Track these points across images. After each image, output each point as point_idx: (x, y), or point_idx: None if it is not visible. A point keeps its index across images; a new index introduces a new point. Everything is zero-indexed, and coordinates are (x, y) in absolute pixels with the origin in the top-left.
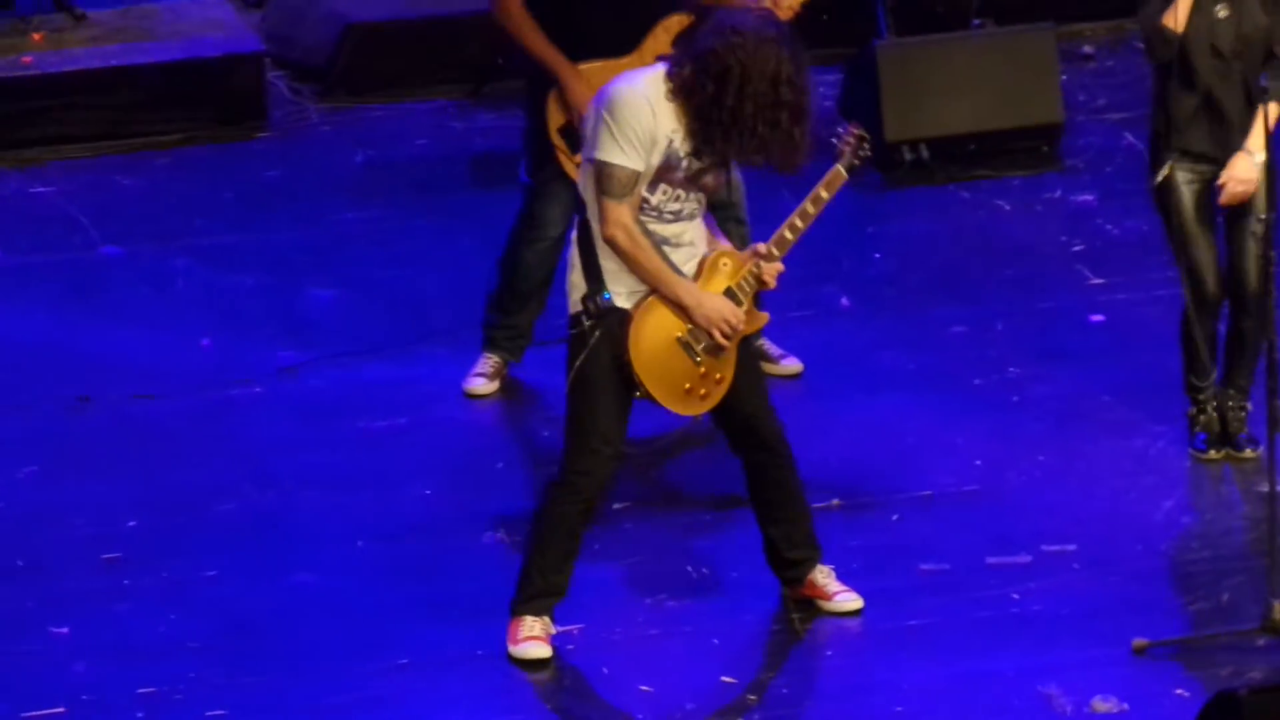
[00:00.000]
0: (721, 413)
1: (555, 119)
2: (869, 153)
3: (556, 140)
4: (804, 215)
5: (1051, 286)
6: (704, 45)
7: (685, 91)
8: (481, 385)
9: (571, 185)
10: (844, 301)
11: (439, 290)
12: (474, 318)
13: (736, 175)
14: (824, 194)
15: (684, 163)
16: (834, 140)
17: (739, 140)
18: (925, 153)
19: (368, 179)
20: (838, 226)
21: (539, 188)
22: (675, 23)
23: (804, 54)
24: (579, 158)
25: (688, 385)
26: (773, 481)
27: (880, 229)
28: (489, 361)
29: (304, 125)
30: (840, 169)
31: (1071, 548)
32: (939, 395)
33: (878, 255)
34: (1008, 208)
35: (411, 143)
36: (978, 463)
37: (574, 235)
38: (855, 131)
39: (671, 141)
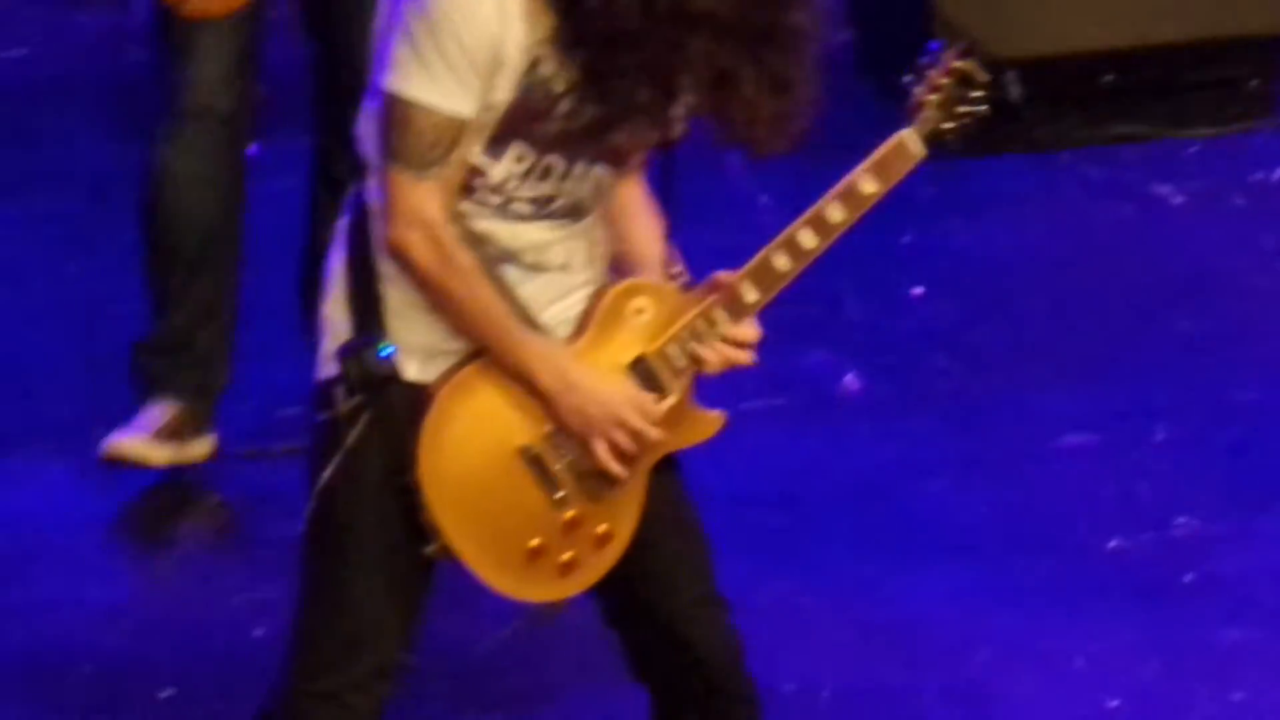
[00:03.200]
0: (617, 604)
1: None
2: (984, 106)
3: None
4: (820, 226)
5: (1260, 355)
6: None
7: None
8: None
9: (229, 32)
10: (849, 382)
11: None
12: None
13: None
14: (867, 187)
15: (562, 104)
16: (912, 75)
17: (644, 84)
18: (1016, 90)
19: None
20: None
21: (177, 38)
22: None
23: None
24: None
25: (535, 542)
26: None
27: (924, 238)
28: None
29: None
30: (909, 141)
31: None
32: (1027, 566)
33: (917, 290)
34: (1178, 199)
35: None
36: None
37: (345, 222)
38: (958, 57)
39: (536, 63)
